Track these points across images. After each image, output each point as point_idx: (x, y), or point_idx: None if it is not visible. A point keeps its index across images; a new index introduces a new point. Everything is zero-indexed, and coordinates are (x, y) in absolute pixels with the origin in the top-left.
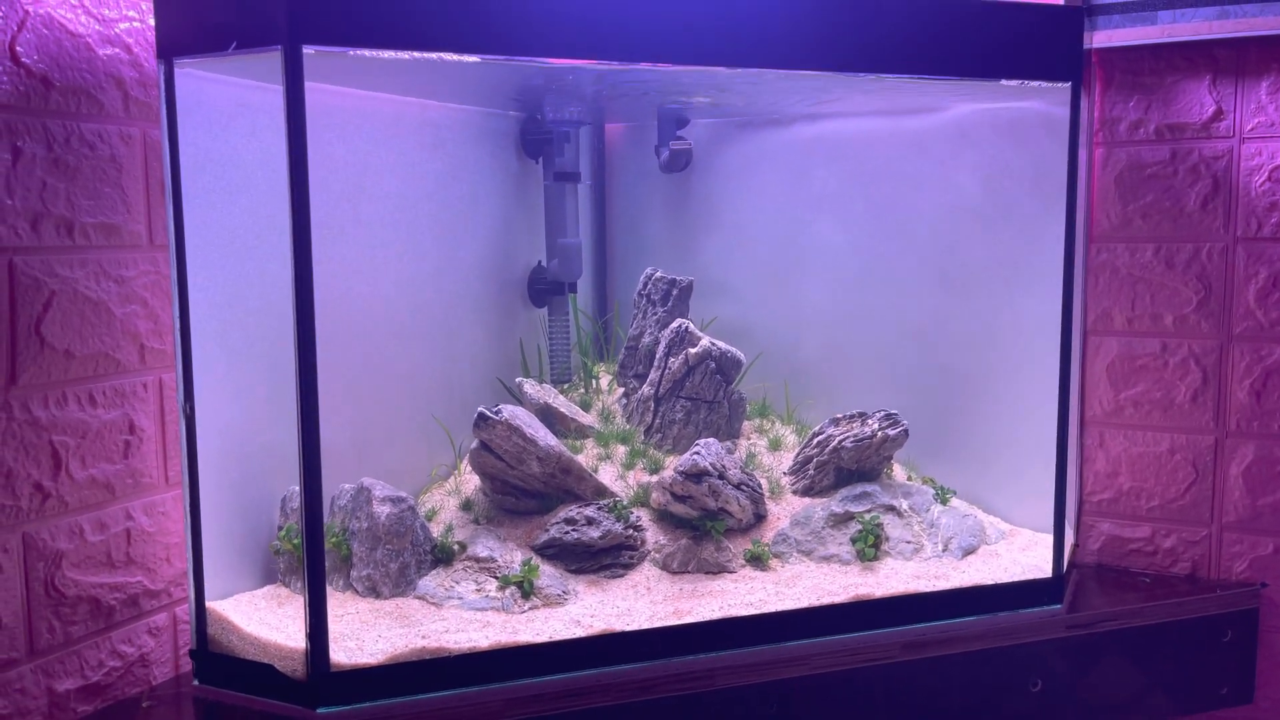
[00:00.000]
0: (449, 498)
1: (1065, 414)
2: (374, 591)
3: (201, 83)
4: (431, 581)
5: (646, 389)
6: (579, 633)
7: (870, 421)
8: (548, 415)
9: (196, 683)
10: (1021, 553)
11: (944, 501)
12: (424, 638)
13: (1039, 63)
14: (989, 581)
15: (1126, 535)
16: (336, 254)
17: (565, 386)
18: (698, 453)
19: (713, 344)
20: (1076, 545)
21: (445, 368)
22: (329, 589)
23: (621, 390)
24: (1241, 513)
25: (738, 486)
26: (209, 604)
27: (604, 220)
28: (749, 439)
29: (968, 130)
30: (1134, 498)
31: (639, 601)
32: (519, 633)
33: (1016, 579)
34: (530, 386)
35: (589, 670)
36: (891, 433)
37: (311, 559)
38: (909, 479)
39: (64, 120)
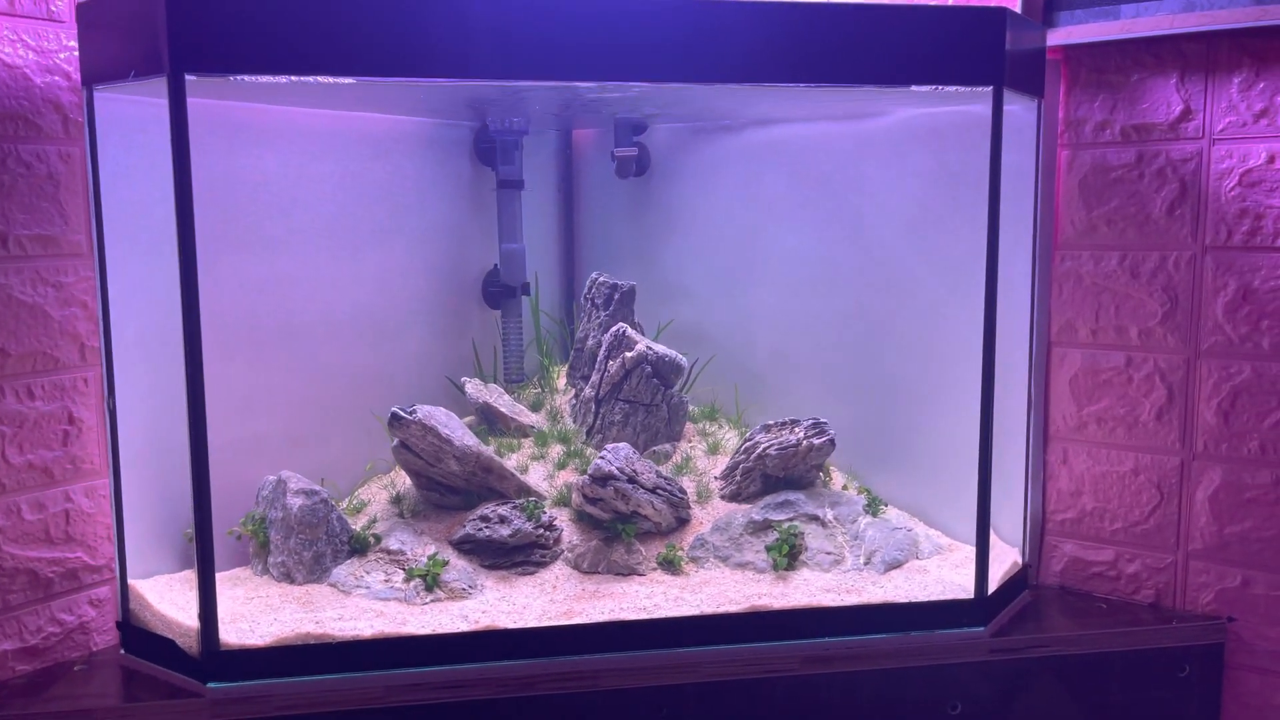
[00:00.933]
0: (384, 491)
1: (988, 422)
2: (288, 577)
3: (122, 105)
4: (344, 571)
5: (588, 391)
6: (463, 627)
7: (797, 430)
8: (488, 414)
9: (122, 651)
10: (953, 570)
11: (874, 513)
12: (317, 624)
13: (959, 66)
14: (904, 599)
15: (1089, 558)
16: (267, 261)
17: (518, 386)
18: (604, 457)
19: (649, 348)
20: (1028, 565)
21: (388, 367)
22: (249, 572)
23: (575, 391)
24: (1208, 540)
25: (652, 490)
26: (131, 582)
27: (571, 224)
28: (690, 442)
29: (913, 134)
30: (1097, 519)
31: (539, 599)
32: (407, 624)
33: (936, 597)
34: (472, 386)
35: (470, 664)
36: (817, 441)
37: (201, 547)
38: (844, 488)
39: (0, 143)
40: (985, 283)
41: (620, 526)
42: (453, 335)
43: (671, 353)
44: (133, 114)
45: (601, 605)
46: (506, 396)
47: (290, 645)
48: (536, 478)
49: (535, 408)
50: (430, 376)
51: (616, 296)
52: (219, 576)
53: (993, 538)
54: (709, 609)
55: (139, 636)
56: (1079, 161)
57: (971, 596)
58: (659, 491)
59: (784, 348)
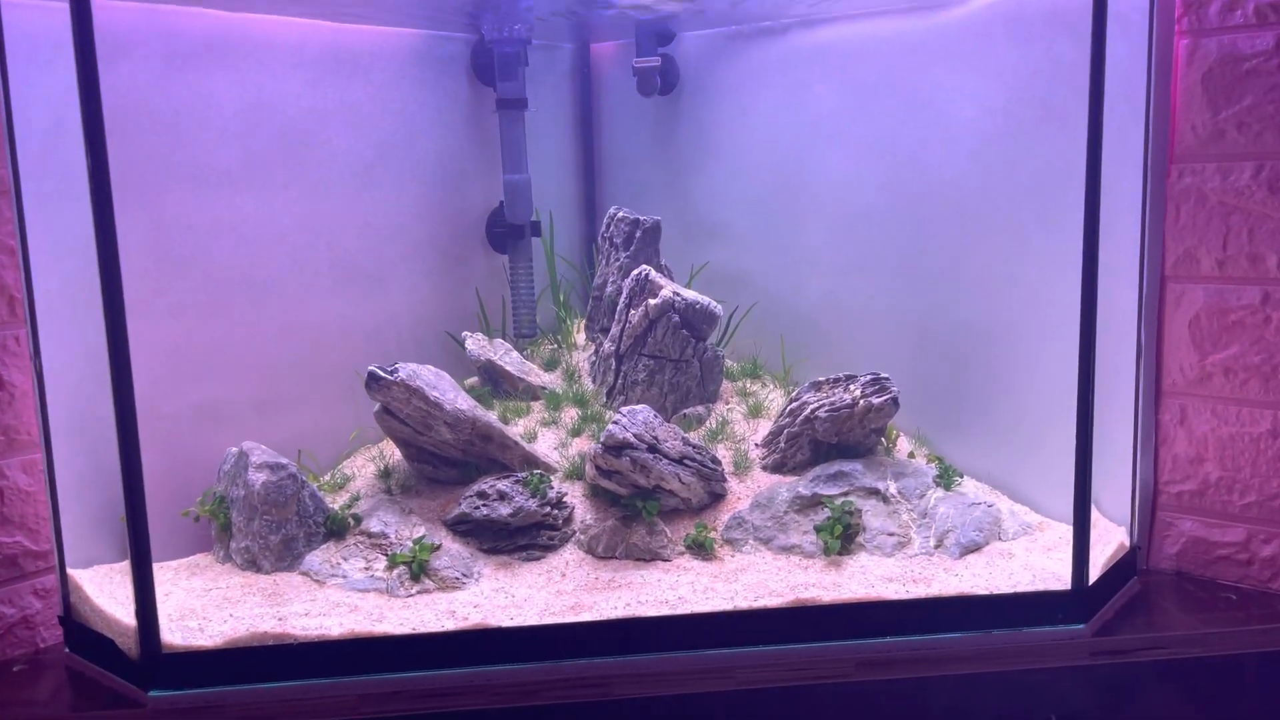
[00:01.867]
0: (372, 464)
1: (1088, 375)
2: (254, 565)
3: (33, 14)
4: (318, 557)
5: (607, 345)
6: (450, 625)
7: (853, 387)
8: (492, 374)
9: (67, 650)
10: (1045, 554)
11: (947, 485)
12: (279, 620)
13: None
14: (984, 590)
15: (1214, 538)
16: (223, 199)
17: (530, 342)
18: (618, 422)
19: (676, 294)
20: (1137, 547)
21: (378, 322)
22: (211, 559)
23: (595, 346)
24: None
25: (678, 461)
26: (70, 571)
27: (591, 154)
28: (728, 404)
29: (992, 26)
30: (1224, 491)
31: (544, 590)
32: (384, 621)
33: (1024, 588)
34: (473, 342)
35: (458, 669)
36: (876, 401)
37: (135, 535)
38: (911, 456)
39: None
40: (1085, 206)
41: (640, 504)
42: (453, 284)
43: (703, 299)
44: (47, 26)
45: (616, 598)
46: (515, 354)
47: (245, 647)
48: (546, 447)
49: (550, 366)
50: (428, 332)
51: (638, 234)
52: (176, 564)
53: (1096, 515)
54: (745, 602)
55: (81, 634)
56: (1202, 51)
57: (1068, 587)
58: (687, 462)
59: (838, 292)
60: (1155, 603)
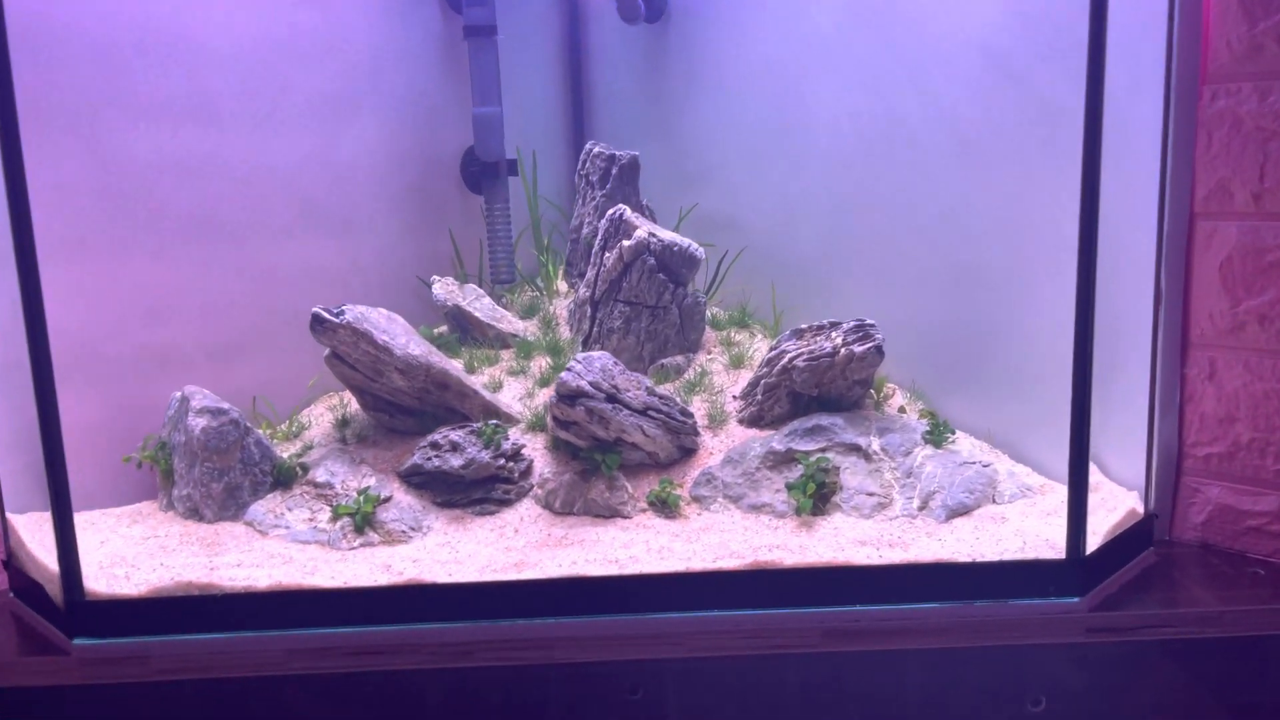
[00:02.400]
0: (332, 413)
1: (1086, 315)
2: (195, 513)
3: None
4: (262, 507)
5: (582, 290)
6: (383, 579)
7: (834, 334)
8: (460, 320)
9: (11, 594)
10: (1042, 519)
11: (937, 442)
12: (211, 570)
13: None
14: (967, 557)
15: (1244, 506)
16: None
17: (507, 289)
18: (572, 369)
19: (652, 235)
20: (1155, 515)
21: (344, 265)
22: (154, 507)
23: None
24: None
25: (641, 412)
26: (8, 516)
27: (578, 88)
28: (710, 354)
29: None
30: (1257, 454)
31: (492, 546)
32: (315, 574)
33: (1013, 555)
34: (441, 286)
35: (389, 626)
36: (858, 349)
37: (54, 482)
38: (901, 410)
39: None
40: (1085, 131)
41: (600, 457)
42: (427, 227)
43: (681, 241)
44: None
45: (565, 556)
46: (486, 299)
47: (170, 597)
48: (510, 397)
49: (529, 313)
50: (398, 276)
51: (614, 171)
52: (120, 511)
53: (1101, 479)
54: (701, 563)
55: (20, 579)
56: None
57: (1063, 556)
58: (651, 414)
59: (833, 235)
60: (1170, 576)
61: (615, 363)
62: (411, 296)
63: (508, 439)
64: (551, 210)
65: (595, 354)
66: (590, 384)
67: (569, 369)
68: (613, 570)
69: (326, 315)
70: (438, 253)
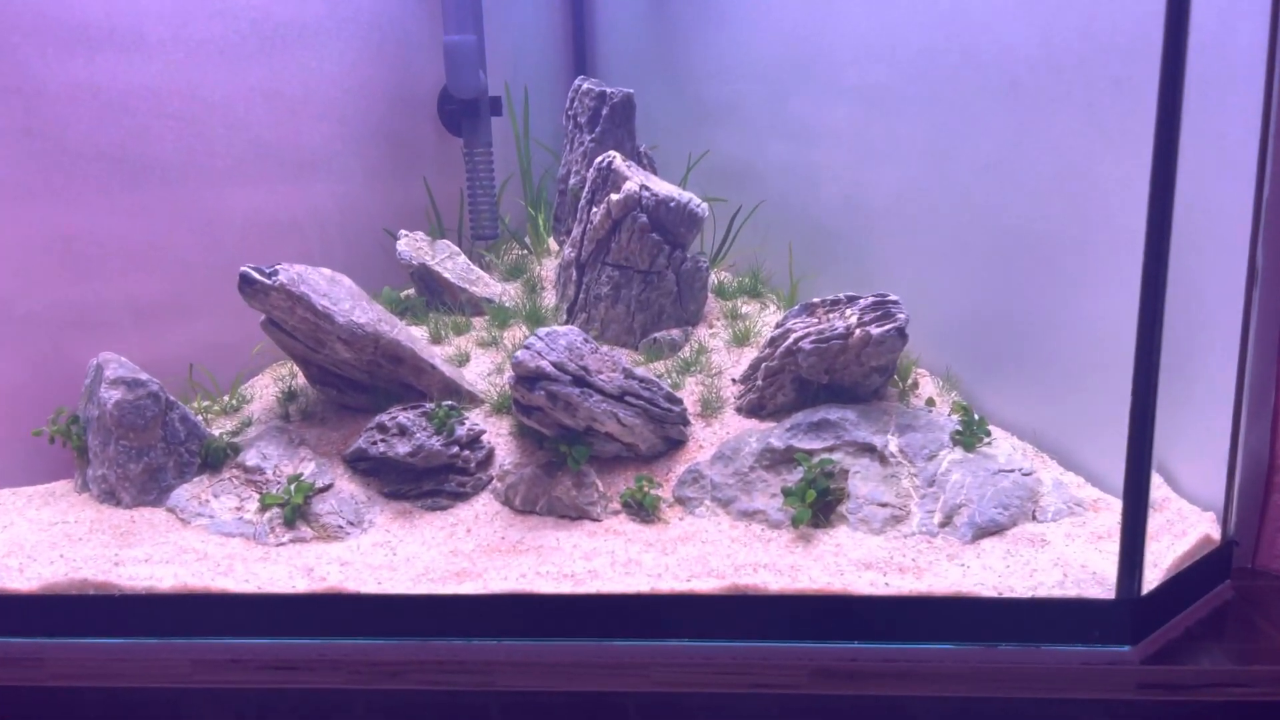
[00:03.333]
0: (279, 384)
1: (1157, 289)
2: (112, 497)
3: None
4: (187, 492)
5: (568, 251)
6: (302, 586)
7: (849, 312)
8: (427, 281)
9: None
10: (1091, 544)
11: (969, 444)
12: (115, 564)
13: None
14: (992, 590)
15: None
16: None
17: (489, 246)
18: (531, 346)
19: (644, 188)
20: (1234, 542)
21: (303, 215)
22: (70, 486)
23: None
24: None
25: (617, 398)
26: None
27: (579, 12)
28: (712, 327)
29: None
30: None
31: (436, 549)
32: (229, 574)
33: (1049, 591)
34: (406, 242)
35: (307, 639)
36: (875, 331)
37: None
38: (929, 404)
39: None
40: (1163, 56)
41: (565, 449)
42: (398, 173)
43: (678, 194)
44: None
45: (516, 565)
46: (460, 258)
47: (64, 595)
48: (477, 372)
49: (515, 275)
50: (365, 228)
51: (605, 111)
52: (32, 491)
53: (1169, 495)
54: (670, 583)
55: None
56: None
57: (1112, 595)
58: (629, 400)
59: (861, 189)
60: (1249, 620)
61: (585, 339)
62: (380, 252)
63: (464, 423)
64: (545, 155)
65: (561, 329)
66: (553, 364)
67: (527, 346)
68: (566, 587)
69: (257, 275)
70: (411, 203)
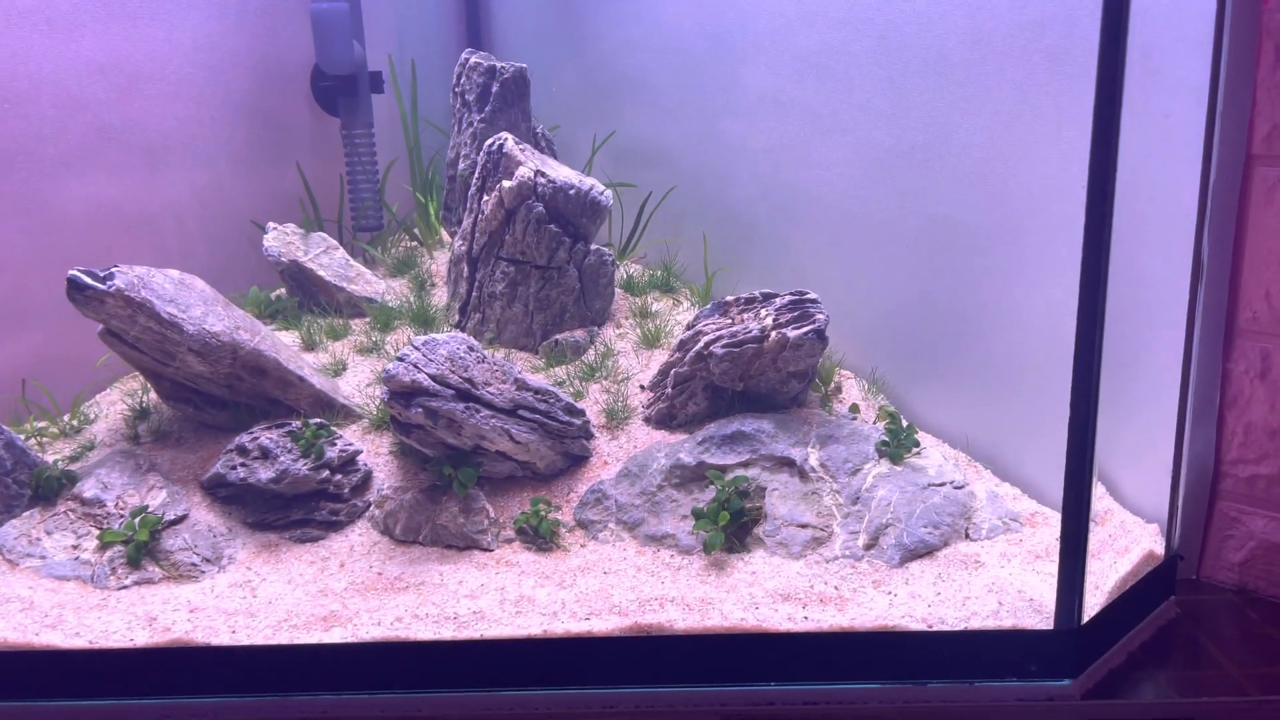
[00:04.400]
0: (127, 401)
1: (1097, 286)
2: None
3: None
4: (16, 528)
5: (458, 244)
6: (141, 638)
7: (765, 311)
8: (300, 279)
9: None
10: (1028, 565)
11: (896, 456)
12: None
13: None
14: (921, 622)
15: None
16: None
17: (372, 239)
18: (406, 357)
19: (539, 174)
20: (1179, 556)
21: (157, 206)
22: None
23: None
24: None
25: (509, 412)
26: None
27: None
28: (621, 327)
29: None
30: None
31: (303, 589)
32: (57, 626)
33: (983, 622)
34: (275, 235)
35: (148, 699)
36: (793, 334)
37: None
38: (854, 411)
39: None
40: (1102, 32)
41: (450, 471)
42: (266, 157)
43: (579, 180)
44: None
45: (393, 606)
46: (337, 253)
47: None
48: (354, 383)
49: (403, 269)
50: (230, 221)
51: (496, 89)
52: None
53: (1113, 506)
54: (565, 624)
55: None
56: None
57: (1050, 625)
58: (523, 414)
59: (780, 174)
60: (1195, 641)
61: (471, 347)
62: (249, 247)
63: (336, 443)
64: (436, 137)
65: (442, 336)
66: (431, 377)
67: (401, 358)
68: (448, 631)
69: (89, 280)
70: (283, 191)
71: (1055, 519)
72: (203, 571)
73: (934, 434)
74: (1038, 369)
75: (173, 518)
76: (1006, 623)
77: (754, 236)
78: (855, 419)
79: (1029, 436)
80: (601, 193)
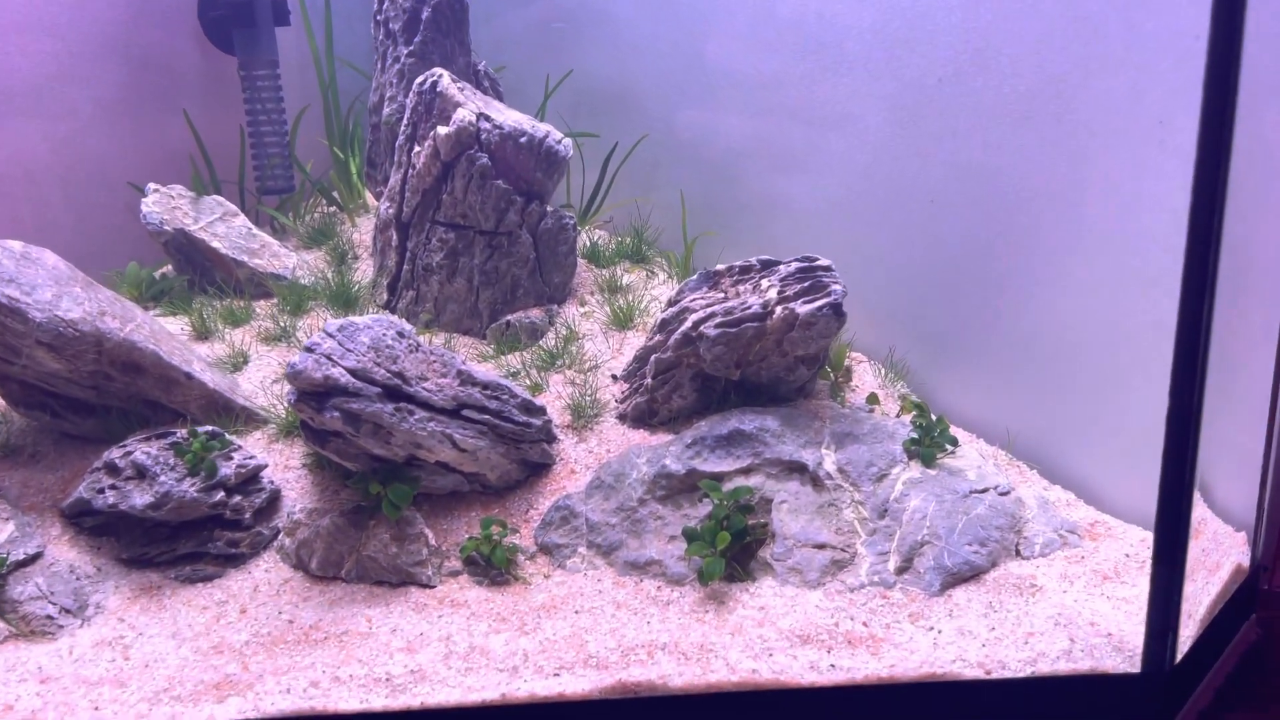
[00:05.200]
0: None
1: (1200, 293)
2: None
3: None
4: None
5: (385, 207)
6: None
7: (767, 283)
8: (189, 252)
9: None
10: (1095, 586)
11: (927, 457)
12: None
13: None
14: (976, 667)
15: None
16: None
17: (283, 199)
18: (316, 348)
19: (483, 117)
20: (1264, 568)
21: (14, 166)
22: None
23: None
24: None
25: (452, 413)
26: None
27: None
28: (585, 305)
29: None
30: None
31: (192, 644)
32: None
33: (1051, 664)
34: (156, 200)
35: None
36: (803, 309)
37: None
38: (872, 402)
39: None
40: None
41: (377, 488)
42: (146, 105)
43: (531, 126)
44: None
45: (307, 664)
46: (237, 220)
47: None
48: (258, 380)
49: (319, 240)
50: (102, 183)
51: (426, 14)
52: None
53: (1205, 514)
54: (529, 684)
55: None
56: None
57: (1136, 667)
58: (469, 415)
59: (773, 117)
60: None
61: (401, 333)
62: (126, 213)
63: (231, 457)
64: (357, 80)
65: (363, 320)
66: (350, 372)
67: (310, 347)
68: (379, 699)
69: None
70: (170, 146)
71: (1119, 529)
72: (61, 626)
73: (965, 428)
74: (1094, 349)
75: (22, 557)
76: (1082, 665)
77: (741, 194)
78: (874, 412)
79: (1082, 430)
80: (559, 141)
